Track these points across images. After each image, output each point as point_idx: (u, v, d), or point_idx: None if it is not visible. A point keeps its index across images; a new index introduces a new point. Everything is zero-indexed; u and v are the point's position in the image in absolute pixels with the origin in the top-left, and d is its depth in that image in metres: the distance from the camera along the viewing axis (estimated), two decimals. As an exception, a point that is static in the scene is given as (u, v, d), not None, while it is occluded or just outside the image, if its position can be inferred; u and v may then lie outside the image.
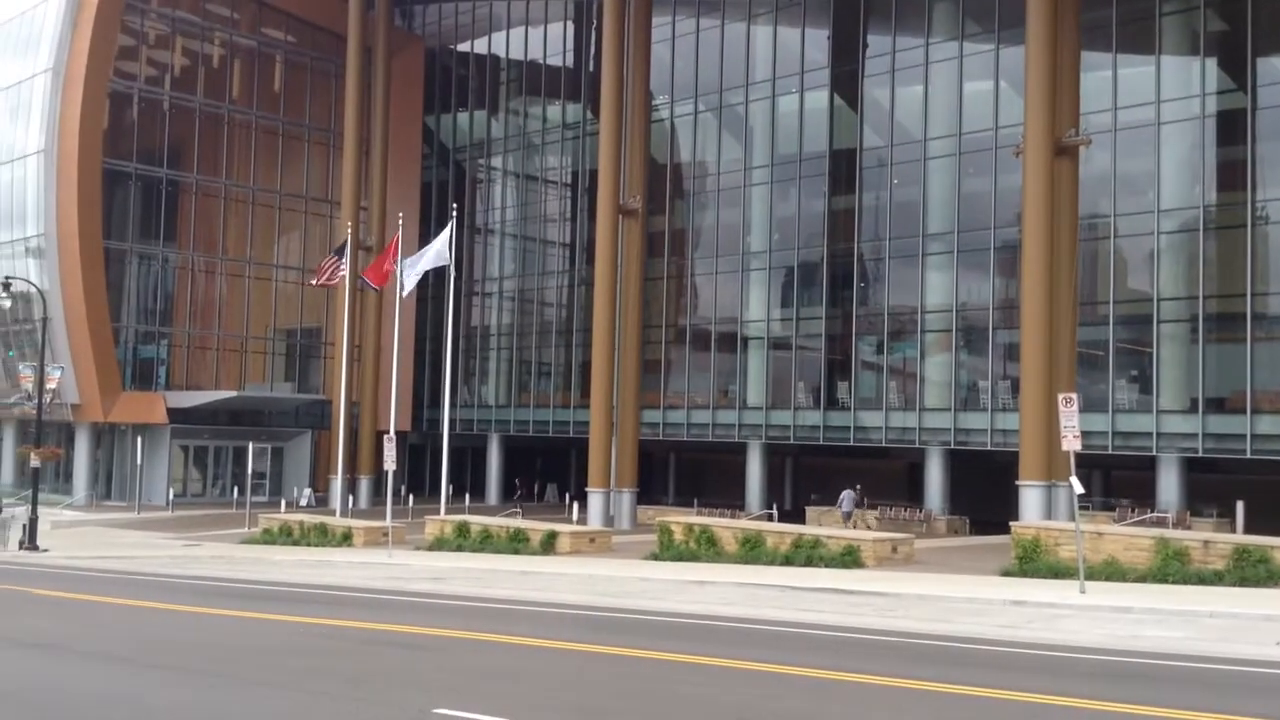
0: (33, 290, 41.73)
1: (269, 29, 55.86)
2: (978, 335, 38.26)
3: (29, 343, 47.42)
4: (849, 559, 24.66)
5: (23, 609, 19.08)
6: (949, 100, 38.93)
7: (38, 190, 48.03)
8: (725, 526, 28.50)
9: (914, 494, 41.62)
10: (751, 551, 26.32)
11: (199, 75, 54.24)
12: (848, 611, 17.91)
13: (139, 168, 51.64)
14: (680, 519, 29.81)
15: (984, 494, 38.82)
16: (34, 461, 36.59)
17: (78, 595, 21.20)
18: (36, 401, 37.58)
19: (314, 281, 43.06)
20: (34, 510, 35.29)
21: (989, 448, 36.99)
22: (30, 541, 34.28)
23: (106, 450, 52.32)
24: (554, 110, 52.68)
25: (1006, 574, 23.01)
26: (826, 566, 24.51)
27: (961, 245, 38.09)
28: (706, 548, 27.21)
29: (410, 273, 36.27)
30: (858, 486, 38.13)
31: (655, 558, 27.51)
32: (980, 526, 36.41)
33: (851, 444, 40.32)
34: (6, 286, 36.55)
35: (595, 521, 38.59)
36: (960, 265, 38.23)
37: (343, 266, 41.90)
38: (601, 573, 24.51)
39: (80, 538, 39.12)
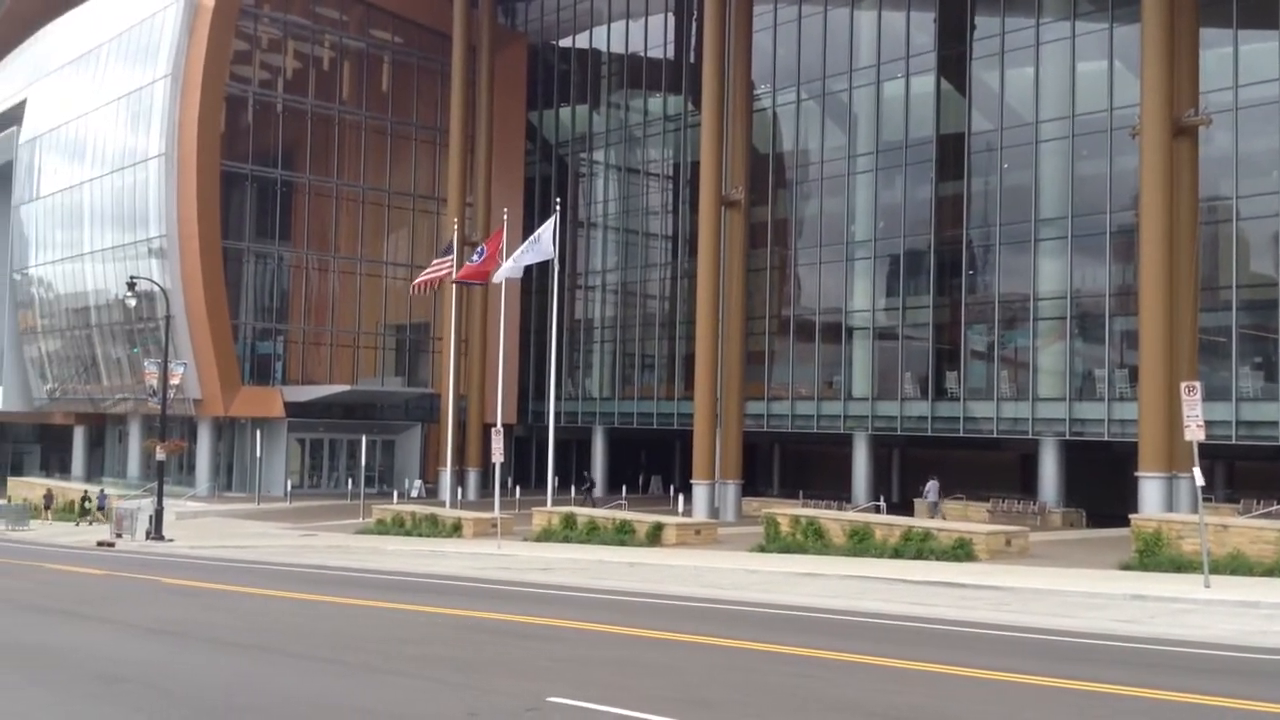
0: (156, 289, 43.34)
1: (377, 30, 57.05)
2: (1093, 322, 37.19)
3: (153, 340, 49.29)
4: (961, 552, 24.21)
5: (152, 598, 19.86)
6: (1061, 81, 37.86)
7: (159, 193, 49.87)
8: (832, 519, 28.24)
9: (1027, 486, 40.69)
10: (860, 544, 26.03)
11: (310, 77, 55.68)
12: (960, 605, 17.59)
13: (254, 169, 53.26)
14: (786, 511, 29.62)
15: (1101, 486, 37.74)
16: (159, 455, 38.05)
17: (203, 584, 21.97)
18: (161, 397, 39.01)
19: (414, 292, 43.58)
20: (160, 502, 36.72)
21: (1106, 438, 35.94)
22: (157, 532, 35.68)
23: (227, 443, 54.13)
24: (655, 103, 52.70)
25: (1126, 568, 22.34)
26: (938, 559, 24.11)
27: (1076, 230, 37.04)
28: (813, 540, 26.99)
29: (510, 265, 36.58)
30: (933, 478, 37.61)
31: (762, 550, 27.39)
32: (1097, 520, 35.42)
33: (961, 435, 39.57)
34: (131, 286, 38.09)
35: (700, 513, 38.58)
36: (1075, 251, 37.18)
37: (448, 265, 42.56)
38: (708, 564, 24.49)
39: (203, 528, 40.55)
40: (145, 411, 52.01)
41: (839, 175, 43.60)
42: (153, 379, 42.52)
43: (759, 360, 45.25)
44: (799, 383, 44.58)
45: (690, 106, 49.31)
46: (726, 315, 41.02)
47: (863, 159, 42.97)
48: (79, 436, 63.19)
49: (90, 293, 56.35)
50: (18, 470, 69.40)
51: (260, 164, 53.62)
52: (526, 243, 37.17)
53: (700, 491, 39.78)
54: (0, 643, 14.08)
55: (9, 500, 53.56)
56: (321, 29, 55.72)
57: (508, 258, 37.65)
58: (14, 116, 63.87)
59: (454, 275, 42.01)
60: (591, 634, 14.49)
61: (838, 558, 25.22)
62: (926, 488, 37.27)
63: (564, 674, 11.47)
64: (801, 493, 43.62)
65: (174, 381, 41.64)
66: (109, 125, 54.60)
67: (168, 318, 40.60)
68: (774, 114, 46.71)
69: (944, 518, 34.91)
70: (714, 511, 39.35)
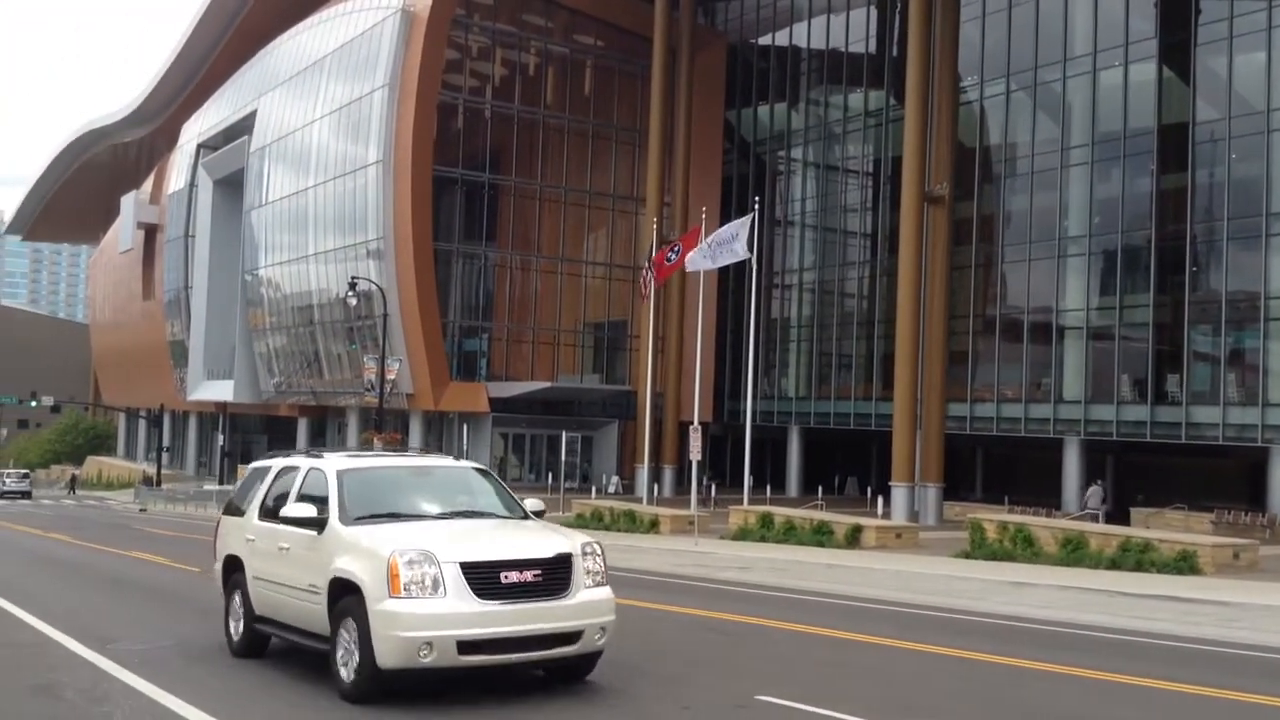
0: (373, 289, 45.59)
1: (580, 35, 58.36)
2: (1333, 323, 34.55)
3: (370, 337, 51.87)
4: (1184, 565, 22.92)
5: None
6: (1297, 65, 35.33)
7: (376, 197, 52.45)
8: (1043, 526, 27.20)
9: (1255, 497, 38.12)
10: (1073, 553, 24.97)
11: (516, 83, 57.45)
12: (1184, 620, 16.68)
13: (464, 173, 55.37)
14: (992, 516, 28.72)
15: (1340, 498, 35.02)
16: (376, 446, 40.02)
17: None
18: (378, 391, 41.04)
19: (645, 298, 43.99)
20: (376, 490, 38.55)
21: (1346, 447, 33.35)
22: (373, 519, 37.51)
23: (436, 436, 56.43)
24: (855, 98, 51.97)
25: (1372, 588, 20.67)
26: (1159, 572, 22.89)
27: (1313, 224, 34.50)
28: (1022, 548, 26.07)
29: (703, 257, 36.53)
30: (1096, 483, 35.57)
31: (966, 556, 26.66)
32: (1336, 535, 32.86)
33: (1182, 441, 37.44)
34: (353, 286, 40.22)
35: (899, 516, 37.86)
36: (1312, 246, 34.64)
37: (649, 264, 43.11)
38: (910, 569, 24.03)
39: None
40: (362, 405, 54.77)
41: (1050, 169, 41.94)
42: (370, 374, 44.80)
43: (962, 360, 44.02)
44: (1005, 384, 43.13)
45: (892, 101, 48.39)
46: (928, 314, 40.09)
47: (1076, 151, 41.20)
48: (302, 427, 67.09)
49: (313, 292, 59.75)
50: (246, 459, 74.25)
51: (469, 168, 55.70)
52: (723, 232, 36.93)
53: (899, 494, 39.03)
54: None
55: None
56: (527, 36, 57.39)
57: (702, 247, 37.67)
58: (245, 127, 68.38)
59: (657, 276, 42.45)
60: (794, 634, 14.45)
61: (1049, 567, 24.29)
62: (1089, 492, 35.41)
63: (770, 673, 11.50)
64: (1006, 498, 42.17)
65: (390, 376, 43.75)
66: (330, 134, 57.74)
67: (384, 316, 42.65)
68: (981, 107, 45.32)
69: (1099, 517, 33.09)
70: (913, 515, 38.54)
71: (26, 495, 75.52)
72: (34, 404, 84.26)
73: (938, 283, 40.36)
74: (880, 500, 39.56)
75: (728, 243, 36.31)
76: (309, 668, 10.68)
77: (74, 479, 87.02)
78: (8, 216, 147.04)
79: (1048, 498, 40.29)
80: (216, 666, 11.34)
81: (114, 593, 18.80)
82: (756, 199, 42.29)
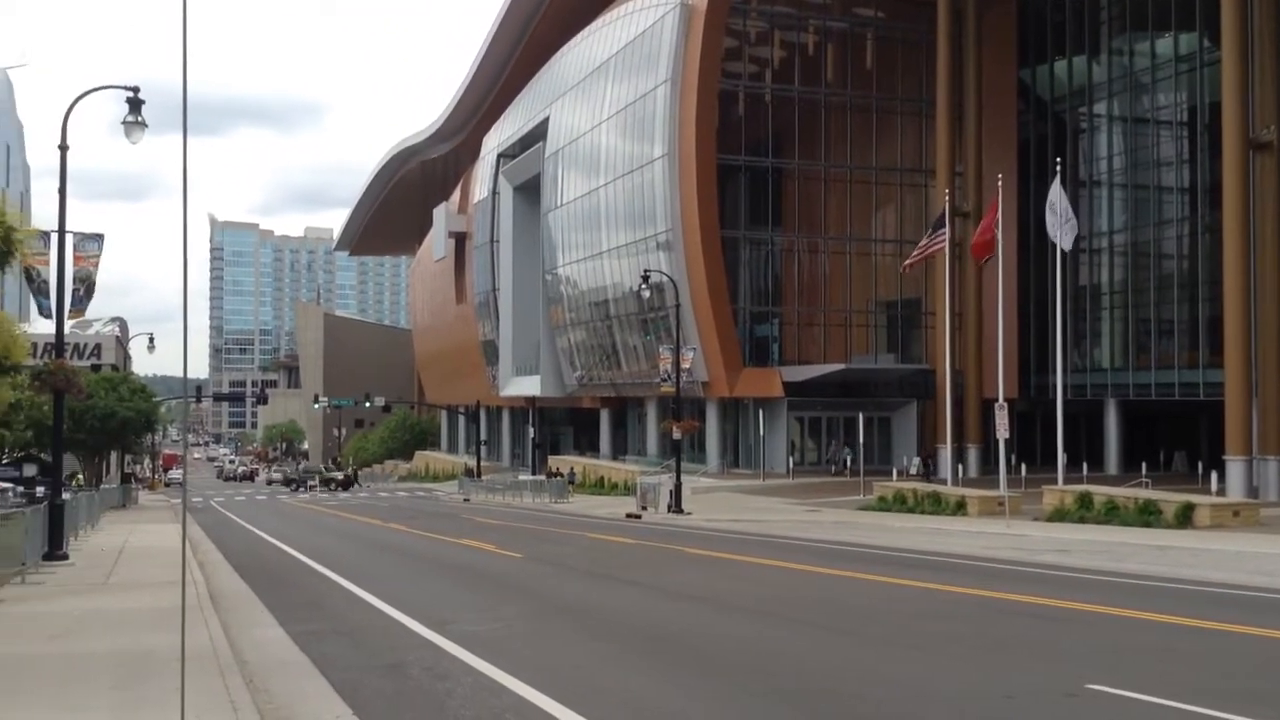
0: (665, 280, 46.63)
1: (859, 9, 57.29)
2: None
3: (664, 327, 53.15)
4: None
5: (680, 566, 21.50)
6: None
7: (664, 191, 53.62)
8: None
9: None
10: None
11: (795, 65, 57.13)
12: None
13: (746, 159, 55.67)
14: (1347, 491, 25.91)
15: None
16: (675, 434, 40.98)
17: (721, 554, 23.40)
18: (674, 380, 41.97)
19: (905, 270, 43.11)
20: (678, 477, 39.57)
21: None
22: (676, 505, 38.50)
23: (731, 422, 57.11)
24: (1164, 43, 48.10)
25: None
26: None
27: None
28: (1385, 524, 23.39)
29: (1057, 229, 34.62)
30: None
31: (1318, 534, 24.23)
32: None
33: None
34: (646, 279, 41.30)
35: (1236, 493, 34.84)
36: None
37: (941, 238, 41.65)
38: (1252, 549, 22.08)
39: (715, 502, 43.12)
40: (660, 395, 56.21)
41: (1401, 99, 37.22)
42: (666, 364, 45.87)
43: (1302, 320, 39.87)
44: (1356, 344, 38.71)
45: (1206, 43, 44.46)
46: (1260, 270, 36.66)
47: None
48: (604, 418, 69.67)
49: (608, 287, 61.87)
50: (555, 450, 77.98)
51: (751, 154, 55.93)
52: (1057, 204, 34.88)
53: (1235, 468, 35.92)
54: (567, 603, 15.92)
55: (549, 477, 60.39)
56: (805, 15, 56.93)
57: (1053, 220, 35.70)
58: (539, 134, 71.65)
59: (975, 254, 40.81)
60: (1120, 619, 13.60)
61: None
62: None
63: (1097, 660, 10.88)
64: (1364, 470, 37.91)
65: (685, 365, 44.64)
66: (617, 133, 59.53)
67: (676, 306, 43.54)
68: (1312, 38, 40.78)
69: None
70: (1252, 491, 35.37)
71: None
72: (367, 405, 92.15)
73: (1269, 236, 36.80)
74: (1214, 476, 36.55)
75: (1066, 216, 34.21)
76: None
77: (355, 474, 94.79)
78: (336, 234, 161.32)
79: None
80: (546, 647, 12.04)
81: (446, 577, 20.24)
82: (1058, 160, 40.00)
